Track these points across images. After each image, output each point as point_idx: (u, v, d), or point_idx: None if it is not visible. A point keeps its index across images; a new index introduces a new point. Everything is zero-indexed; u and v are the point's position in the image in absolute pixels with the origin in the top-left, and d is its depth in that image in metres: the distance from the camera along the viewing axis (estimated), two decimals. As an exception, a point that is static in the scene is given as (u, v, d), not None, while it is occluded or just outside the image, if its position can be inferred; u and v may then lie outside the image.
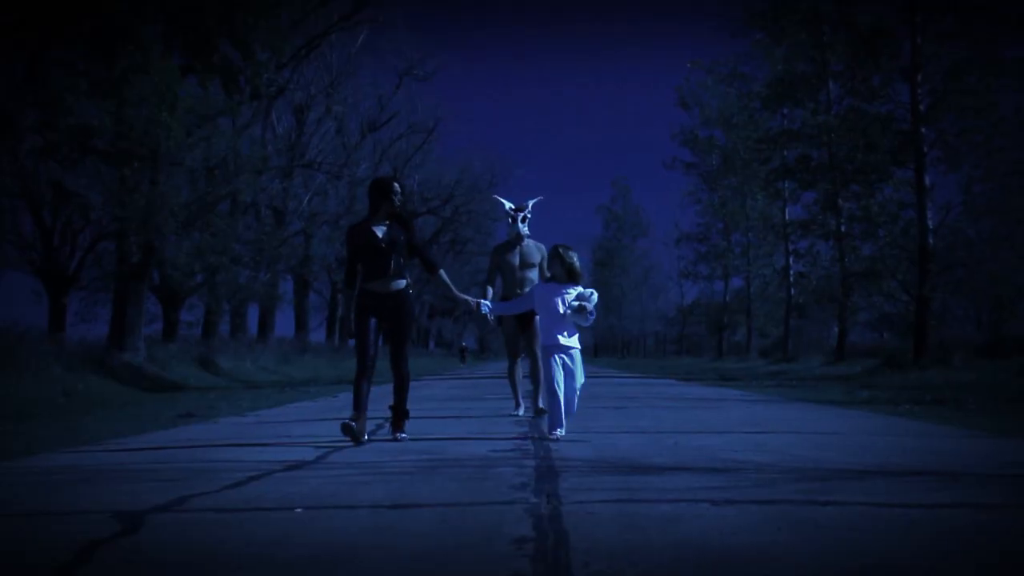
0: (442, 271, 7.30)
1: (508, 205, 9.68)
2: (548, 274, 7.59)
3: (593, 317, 6.96)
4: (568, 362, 7.00)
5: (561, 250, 7.15)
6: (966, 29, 22.92)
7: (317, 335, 48.59)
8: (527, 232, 9.59)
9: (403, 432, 7.11)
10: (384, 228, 7.04)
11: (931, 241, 23.48)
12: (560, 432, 6.84)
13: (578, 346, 7.10)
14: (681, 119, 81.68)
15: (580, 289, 7.06)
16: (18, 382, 13.62)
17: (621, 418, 9.04)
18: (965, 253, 23.94)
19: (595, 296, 7.05)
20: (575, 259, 7.15)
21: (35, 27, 17.16)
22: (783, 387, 17.34)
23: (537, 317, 9.00)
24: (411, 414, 7.30)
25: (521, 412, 9.54)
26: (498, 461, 5.68)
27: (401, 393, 7.20)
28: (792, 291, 38.28)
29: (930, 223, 23.64)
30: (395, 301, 7.02)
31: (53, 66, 17.67)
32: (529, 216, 9.61)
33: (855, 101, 25.74)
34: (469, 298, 7.54)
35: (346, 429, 6.72)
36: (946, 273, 24.03)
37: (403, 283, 7.06)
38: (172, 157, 21.43)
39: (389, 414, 7.25)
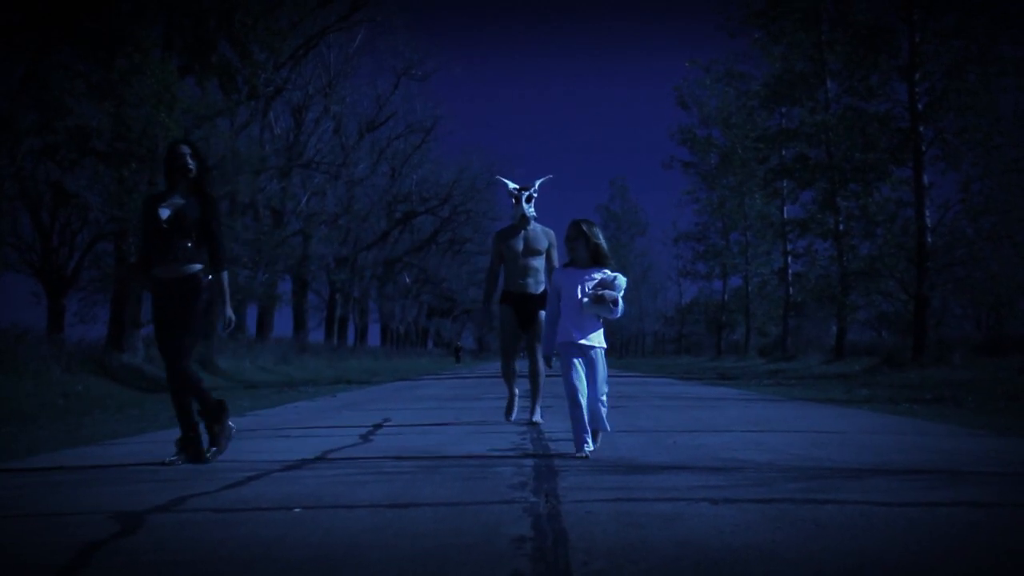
0: (225, 274, 6.06)
1: (512, 185, 8.54)
2: (567, 257, 6.10)
3: (619, 308, 5.70)
4: (587, 365, 5.80)
5: (584, 227, 5.84)
6: (965, 27, 22.88)
7: (316, 335, 48.58)
8: (534, 214, 8.40)
9: (215, 447, 5.89)
10: (173, 205, 5.86)
11: (929, 240, 23.47)
12: (588, 449, 5.74)
13: (602, 345, 5.87)
14: (679, 118, 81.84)
15: (605, 273, 5.80)
16: (17, 383, 13.60)
17: (620, 417, 9.00)
18: (964, 252, 23.90)
19: (621, 281, 5.77)
20: (601, 237, 5.87)
21: (36, 29, 17.16)
22: (782, 386, 17.32)
23: (542, 312, 8.17)
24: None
25: (513, 418, 8.62)
26: (497, 461, 5.69)
27: (179, 398, 5.90)
28: (791, 290, 38.28)
29: (928, 222, 23.62)
30: (181, 289, 5.84)
31: (53, 68, 17.67)
32: (535, 196, 8.44)
33: (853, 100, 25.70)
34: (231, 316, 6.07)
35: (172, 463, 5.73)
36: (945, 272, 24.01)
37: (194, 268, 5.88)
38: (170, 158, 21.41)
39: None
